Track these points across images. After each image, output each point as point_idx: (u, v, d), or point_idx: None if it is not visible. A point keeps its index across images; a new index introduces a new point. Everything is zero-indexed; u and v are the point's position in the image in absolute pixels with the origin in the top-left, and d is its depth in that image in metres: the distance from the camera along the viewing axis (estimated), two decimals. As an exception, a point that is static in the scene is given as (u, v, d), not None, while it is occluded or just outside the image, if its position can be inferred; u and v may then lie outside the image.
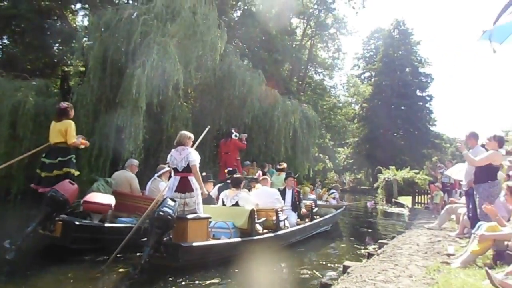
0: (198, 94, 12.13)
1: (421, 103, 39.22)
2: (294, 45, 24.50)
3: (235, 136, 9.82)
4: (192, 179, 4.88)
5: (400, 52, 38.86)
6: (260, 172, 9.81)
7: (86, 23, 12.62)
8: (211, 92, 11.69)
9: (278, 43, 19.70)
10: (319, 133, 19.58)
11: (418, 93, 39.47)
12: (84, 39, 10.88)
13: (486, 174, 5.12)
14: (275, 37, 19.70)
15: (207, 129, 7.02)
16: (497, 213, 3.90)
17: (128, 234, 4.66)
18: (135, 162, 6.74)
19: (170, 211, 4.23)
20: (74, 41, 10.93)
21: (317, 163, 22.68)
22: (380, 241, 6.14)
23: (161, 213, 4.16)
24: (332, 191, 12.27)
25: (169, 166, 5.25)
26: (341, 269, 4.45)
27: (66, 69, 12.80)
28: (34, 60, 12.66)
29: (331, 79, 32.68)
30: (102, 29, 9.67)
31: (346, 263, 4.31)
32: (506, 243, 3.32)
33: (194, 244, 4.45)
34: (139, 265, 3.96)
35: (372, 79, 40.93)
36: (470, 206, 5.54)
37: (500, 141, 5.28)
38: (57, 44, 13.22)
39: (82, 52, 10.15)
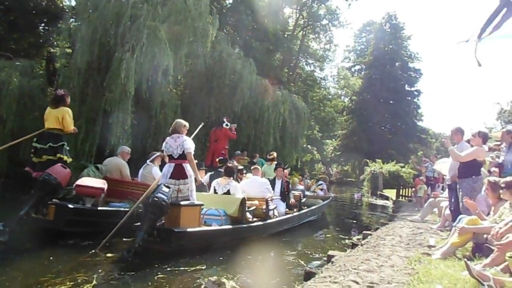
0: (188, 81, 11.94)
1: (409, 98, 39.73)
2: (286, 35, 24.31)
3: (226, 125, 9.99)
4: (186, 166, 4.97)
5: (390, 46, 39.10)
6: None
7: (73, 3, 12.18)
8: (201, 80, 11.53)
9: (270, 32, 19.52)
10: (308, 124, 19.66)
11: (407, 87, 39.95)
12: (71, 20, 10.54)
13: (470, 169, 5.25)
14: (267, 26, 19.51)
15: (201, 125, 7.14)
16: (477, 207, 4.01)
17: (120, 218, 4.76)
18: (127, 149, 6.73)
19: (165, 197, 4.34)
20: (60, 21, 10.56)
21: (305, 154, 22.79)
22: (364, 232, 6.28)
23: (156, 199, 4.27)
24: (320, 182, 12.44)
25: (163, 153, 5.26)
26: (325, 258, 4.55)
27: (52, 50, 12.40)
28: (19, 39, 12.21)
29: (322, 70, 32.67)
30: (90, 11, 9.36)
31: (331, 252, 4.40)
32: (485, 236, 3.43)
33: (187, 230, 4.56)
34: (132, 249, 4.06)
35: (362, 72, 41.18)
36: (453, 200, 5.69)
37: (484, 137, 5.40)
38: (42, 24, 12.77)
39: (69, 34, 9.82)
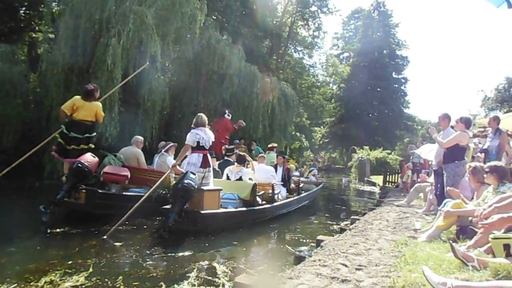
0: (176, 67, 11.76)
1: (396, 85, 40.07)
2: (274, 22, 24.07)
3: (228, 115, 10.20)
4: (209, 156, 5.65)
5: (378, 34, 39.11)
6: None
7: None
8: (189, 66, 11.37)
9: (258, 18, 19.27)
10: (296, 112, 19.69)
11: (394, 75, 40.21)
12: (54, 4, 10.21)
13: (453, 154, 5.38)
14: (256, 12, 19.25)
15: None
16: (460, 194, 4.11)
17: (143, 202, 5.20)
18: (140, 138, 7.18)
19: (193, 183, 4.93)
20: (42, 5, 10.21)
21: (293, 141, 22.89)
22: (352, 217, 6.40)
23: (185, 184, 4.84)
24: (311, 168, 12.99)
25: (186, 146, 5.56)
26: (313, 244, 4.69)
27: (34, 35, 12.01)
28: (-2, 24, 11.78)
29: (311, 58, 32.58)
30: (74, -6, 9.09)
31: (320, 237, 4.48)
32: (469, 219, 3.54)
33: (210, 211, 5.15)
34: (167, 227, 4.66)
35: (351, 60, 41.20)
36: (438, 185, 5.82)
37: (466, 123, 5.51)
38: (23, 8, 12.32)
39: (52, 18, 9.52)
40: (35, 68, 9.33)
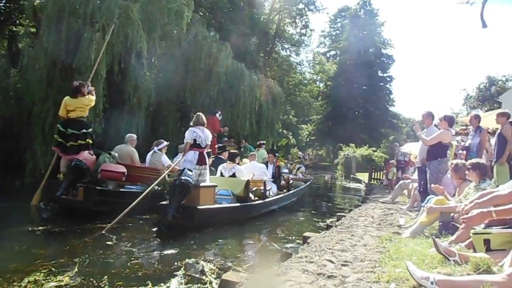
0: (163, 64, 11.60)
1: (382, 84, 40.60)
2: (262, 19, 24.02)
3: (219, 116, 10.22)
4: (206, 154, 5.89)
5: (364, 32, 39.47)
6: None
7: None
8: (176, 63, 11.23)
9: (245, 15, 19.21)
10: (283, 109, 19.75)
11: (380, 73, 40.72)
12: (35, -4, 9.90)
13: (436, 152, 5.50)
14: (243, 9, 19.16)
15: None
16: (443, 191, 4.21)
17: (138, 198, 5.38)
18: (134, 136, 7.35)
19: (190, 179, 5.13)
20: (23, -2, 9.93)
21: (281, 138, 22.99)
22: (338, 213, 6.48)
23: (183, 181, 5.03)
24: (299, 166, 13.12)
25: (186, 143, 5.88)
26: (298, 241, 4.76)
27: (15, 29, 11.65)
28: (-23, 17, 11.39)
29: (298, 55, 32.69)
30: (56, -13, 8.84)
31: (306, 234, 4.52)
32: (451, 215, 3.63)
33: (206, 207, 5.34)
34: (166, 222, 4.81)
35: (337, 58, 41.50)
36: (422, 182, 5.95)
37: (450, 121, 5.64)
38: (3, 1, 11.93)
39: (33, 12, 9.25)
40: (15, 63, 9.06)
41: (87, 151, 5.86)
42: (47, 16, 8.33)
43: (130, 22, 8.56)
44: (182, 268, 3.61)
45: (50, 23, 8.31)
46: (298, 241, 5.04)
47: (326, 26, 44.97)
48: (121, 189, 6.07)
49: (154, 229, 5.03)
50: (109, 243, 4.41)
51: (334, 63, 40.30)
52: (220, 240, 5.02)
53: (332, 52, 44.11)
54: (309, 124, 40.88)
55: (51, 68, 8.43)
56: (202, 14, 15.40)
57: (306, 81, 34.93)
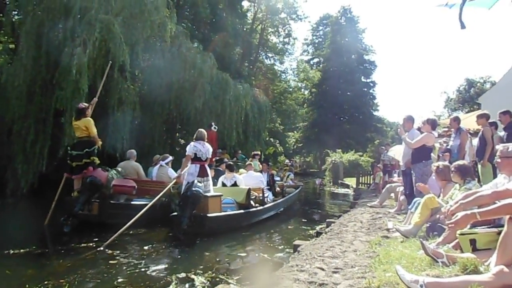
0: (147, 76, 11.55)
1: (365, 89, 41.30)
2: (245, 29, 24.24)
3: (214, 128, 10.37)
4: (207, 167, 6.33)
5: (346, 39, 40.19)
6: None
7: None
8: (160, 75, 11.20)
9: (228, 25, 19.32)
10: (270, 117, 19.84)
11: (363, 79, 41.45)
12: (14, 12, 9.76)
13: (420, 154, 5.59)
14: (226, 20, 19.30)
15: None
16: (429, 190, 4.28)
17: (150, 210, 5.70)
18: (134, 152, 7.69)
19: (200, 190, 5.65)
20: (1, 14, 9.76)
21: (268, 147, 23.02)
22: (327, 220, 6.49)
23: (194, 192, 5.53)
24: (288, 173, 13.54)
25: (187, 156, 6.25)
26: (288, 250, 4.74)
27: (-7, 45, 11.44)
28: (-47, 34, 11.12)
29: (282, 64, 33.05)
30: (35, 3, 8.75)
31: (296, 242, 4.50)
32: (438, 216, 3.67)
33: (215, 214, 5.76)
34: (182, 230, 5.34)
35: (321, 65, 42.10)
36: (407, 185, 6.02)
37: (432, 124, 5.76)
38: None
39: (12, 27, 9.11)
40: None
41: (100, 169, 6.23)
42: (26, 32, 8.22)
43: (112, 36, 8.51)
44: (173, 283, 3.54)
45: (29, 39, 8.20)
46: (288, 249, 5.02)
47: (308, 34, 45.77)
48: (132, 202, 6.35)
49: (171, 235, 5.64)
50: (101, 261, 4.30)
51: (318, 70, 40.84)
52: (208, 253, 4.96)
53: (316, 60, 44.75)
54: (295, 132, 41.12)
55: (31, 85, 8.30)
56: (185, 25, 15.42)
57: (291, 89, 35.25)
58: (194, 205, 5.53)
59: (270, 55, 30.91)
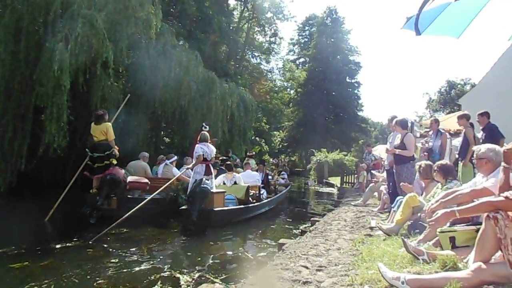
0: (131, 74, 11.35)
1: (350, 89, 41.73)
2: (231, 27, 24.16)
3: (205, 128, 10.30)
4: (211, 166, 6.89)
5: (332, 40, 40.54)
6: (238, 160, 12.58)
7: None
8: (145, 73, 11.03)
9: (215, 23, 19.20)
10: (255, 116, 19.84)
11: (348, 79, 41.88)
12: (-8, 6, 9.42)
13: (405, 156, 5.66)
14: (212, 18, 19.18)
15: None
16: (412, 189, 4.36)
17: (160, 204, 6.94)
18: (147, 154, 8.64)
19: (209, 187, 6.45)
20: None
21: (253, 146, 23.03)
22: (312, 218, 6.54)
23: (203, 188, 6.36)
24: (282, 172, 14.21)
25: (198, 156, 6.71)
26: (271, 248, 4.76)
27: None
28: None
29: (268, 63, 33.19)
30: (14, -4, 8.47)
31: (281, 240, 4.52)
32: (419, 214, 3.75)
33: (220, 208, 6.49)
34: (192, 222, 6.05)
35: (307, 65, 42.32)
36: (391, 184, 6.12)
37: (402, 124, 5.79)
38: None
39: (-11, 22, 8.79)
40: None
41: (117, 167, 6.82)
42: (4, 26, 7.94)
43: (95, 31, 8.33)
44: (159, 283, 3.50)
45: (8, 33, 7.94)
46: (272, 248, 5.04)
47: (294, 34, 45.87)
48: (145, 196, 6.79)
49: (183, 229, 6.28)
50: (83, 262, 4.19)
51: (304, 70, 41.06)
52: (191, 253, 4.93)
53: (302, 60, 44.95)
54: (281, 131, 41.26)
55: (10, 81, 8.05)
56: (170, 23, 15.25)
57: (277, 88, 35.38)
58: (203, 200, 6.27)
59: (256, 54, 30.97)
